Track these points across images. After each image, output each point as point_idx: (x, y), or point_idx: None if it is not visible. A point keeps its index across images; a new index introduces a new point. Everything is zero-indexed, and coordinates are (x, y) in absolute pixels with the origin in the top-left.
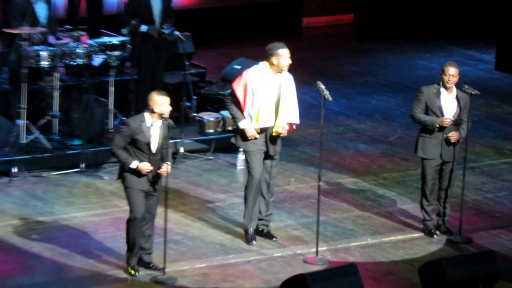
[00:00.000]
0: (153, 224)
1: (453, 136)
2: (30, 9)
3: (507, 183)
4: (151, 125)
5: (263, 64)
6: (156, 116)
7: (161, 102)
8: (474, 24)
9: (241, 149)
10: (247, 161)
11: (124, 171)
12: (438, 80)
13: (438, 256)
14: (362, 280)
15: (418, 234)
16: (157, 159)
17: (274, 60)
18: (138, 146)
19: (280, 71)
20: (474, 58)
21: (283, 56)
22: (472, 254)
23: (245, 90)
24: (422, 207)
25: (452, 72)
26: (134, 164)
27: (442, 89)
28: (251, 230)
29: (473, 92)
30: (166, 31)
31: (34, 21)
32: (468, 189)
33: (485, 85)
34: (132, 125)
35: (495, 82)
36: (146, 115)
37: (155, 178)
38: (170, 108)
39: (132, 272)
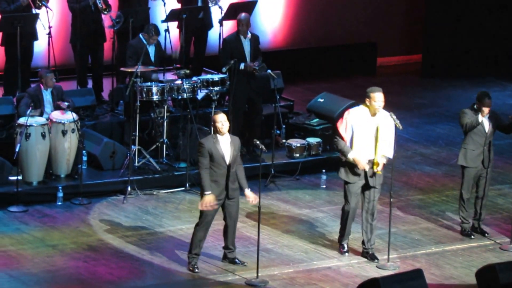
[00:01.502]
0: (235, 228)
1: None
2: (144, 51)
3: None
4: (221, 140)
5: (362, 107)
6: (218, 132)
7: (214, 120)
8: None
9: (323, 171)
10: (345, 190)
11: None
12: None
13: (492, 262)
14: (427, 283)
15: (475, 244)
16: (232, 171)
17: (367, 101)
18: (215, 160)
19: (374, 112)
20: None
21: (375, 98)
22: None
23: (346, 128)
24: (461, 212)
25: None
26: (207, 193)
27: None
28: (345, 244)
29: None
30: (257, 67)
31: (146, 61)
32: None
33: None
34: (206, 144)
35: None
36: (216, 134)
37: (232, 189)
38: (221, 125)
39: (192, 269)
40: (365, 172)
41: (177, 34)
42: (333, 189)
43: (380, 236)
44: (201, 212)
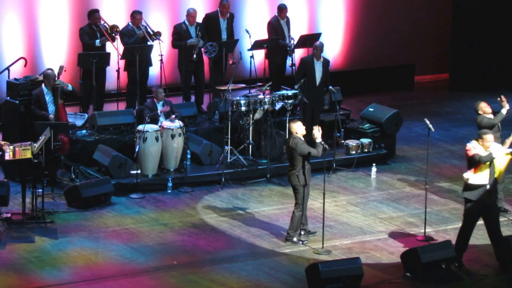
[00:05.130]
0: (307, 206)
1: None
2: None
3: None
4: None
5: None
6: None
7: (291, 126)
8: None
9: (373, 165)
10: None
11: (296, 176)
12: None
13: (507, 235)
14: (455, 251)
15: None
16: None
17: (480, 141)
18: None
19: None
20: None
21: (485, 140)
22: None
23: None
24: None
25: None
26: (318, 141)
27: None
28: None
29: None
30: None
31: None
32: None
33: None
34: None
35: None
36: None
37: (309, 174)
38: (295, 130)
39: (295, 240)
40: (490, 190)
41: (262, 59)
42: (381, 179)
43: (418, 215)
44: (296, 199)
